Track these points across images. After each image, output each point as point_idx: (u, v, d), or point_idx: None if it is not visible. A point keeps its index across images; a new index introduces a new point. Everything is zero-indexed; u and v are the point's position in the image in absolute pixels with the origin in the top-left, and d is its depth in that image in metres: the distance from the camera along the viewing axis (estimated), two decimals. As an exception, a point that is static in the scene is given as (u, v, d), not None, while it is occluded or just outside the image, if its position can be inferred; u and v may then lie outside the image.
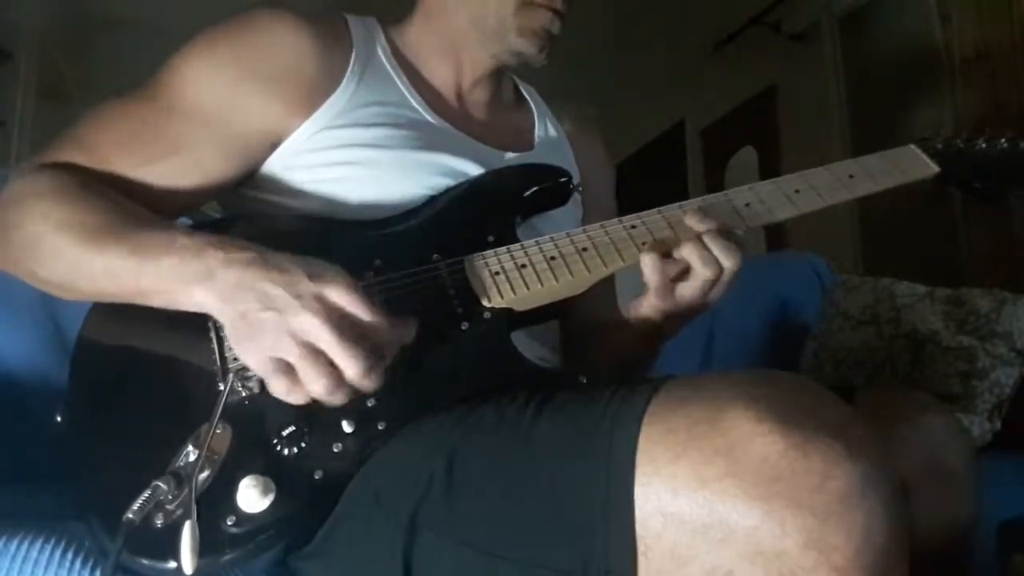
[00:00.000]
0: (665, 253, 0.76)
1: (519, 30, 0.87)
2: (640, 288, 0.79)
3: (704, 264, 0.74)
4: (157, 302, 0.66)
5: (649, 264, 0.75)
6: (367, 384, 0.61)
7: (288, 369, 0.60)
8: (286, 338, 0.59)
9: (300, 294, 0.60)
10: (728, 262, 0.74)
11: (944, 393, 1.52)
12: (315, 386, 0.60)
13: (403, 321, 0.64)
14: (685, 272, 0.75)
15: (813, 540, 0.46)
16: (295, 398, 0.61)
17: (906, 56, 2.76)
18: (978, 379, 1.52)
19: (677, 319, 0.80)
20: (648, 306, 0.78)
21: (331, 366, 0.60)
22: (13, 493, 0.82)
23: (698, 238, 0.75)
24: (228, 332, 0.63)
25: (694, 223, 0.76)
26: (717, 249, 0.74)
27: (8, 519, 0.66)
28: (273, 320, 0.60)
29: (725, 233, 0.76)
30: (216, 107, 0.78)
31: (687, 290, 0.76)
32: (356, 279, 0.63)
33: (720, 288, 0.76)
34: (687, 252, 0.75)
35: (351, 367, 0.59)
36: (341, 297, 0.61)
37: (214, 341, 0.68)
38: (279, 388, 0.61)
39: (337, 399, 0.61)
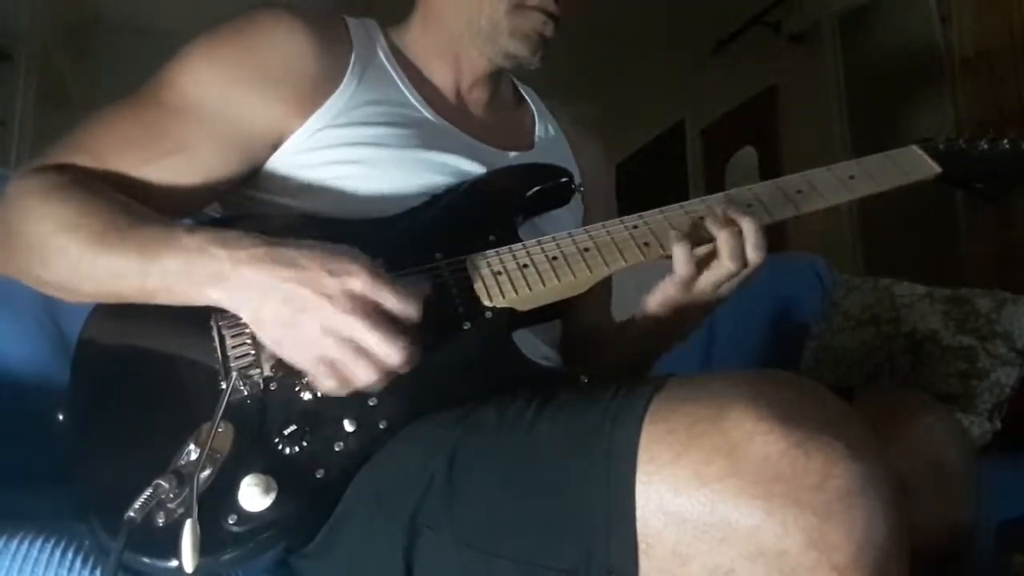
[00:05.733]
0: (697, 243, 0.75)
1: (511, 32, 0.87)
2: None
3: (731, 257, 0.73)
4: (163, 301, 0.66)
5: (682, 255, 0.74)
6: (410, 364, 0.62)
7: (335, 368, 0.61)
8: (325, 338, 0.61)
9: (328, 293, 0.61)
10: (757, 255, 0.74)
11: (944, 393, 1.52)
12: (364, 378, 0.61)
13: (413, 284, 0.65)
14: (709, 259, 0.75)
15: (814, 539, 0.46)
16: (346, 392, 0.63)
17: (906, 56, 2.76)
18: (978, 379, 1.52)
19: (684, 318, 0.80)
20: (663, 297, 0.78)
21: (373, 357, 0.61)
22: (13, 493, 0.82)
23: (736, 228, 0.74)
24: (261, 334, 0.64)
25: (735, 214, 0.75)
26: (753, 243, 0.73)
27: (8, 519, 0.66)
28: (308, 322, 0.61)
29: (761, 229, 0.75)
30: (217, 107, 0.78)
31: (704, 282, 0.75)
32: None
33: (735, 283, 0.76)
34: (721, 240, 0.73)
35: (393, 355, 0.61)
36: (366, 287, 0.61)
37: (216, 340, 0.68)
38: (330, 387, 0.62)
39: (383, 385, 0.63)
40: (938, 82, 2.57)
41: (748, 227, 0.74)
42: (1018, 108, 2.28)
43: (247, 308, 0.64)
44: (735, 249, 0.73)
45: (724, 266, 0.74)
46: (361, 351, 0.61)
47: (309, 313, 0.61)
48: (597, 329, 0.96)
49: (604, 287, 0.98)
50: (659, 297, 0.79)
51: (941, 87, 2.56)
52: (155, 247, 0.65)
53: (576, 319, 0.94)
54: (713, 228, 0.75)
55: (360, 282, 0.61)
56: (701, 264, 0.75)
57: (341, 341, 0.60)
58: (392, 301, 0.62)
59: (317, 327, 0.61)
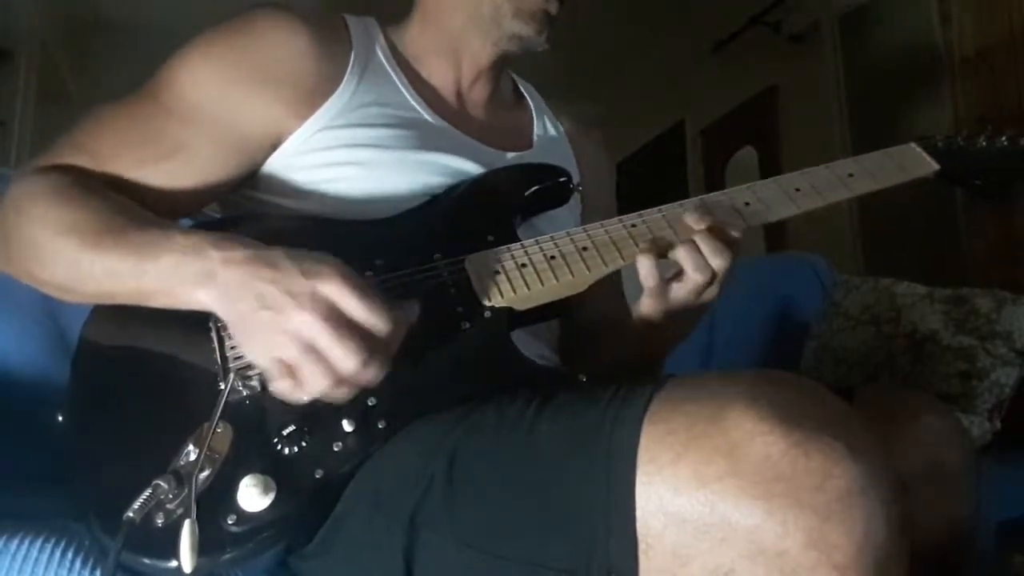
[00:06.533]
0: (661, 253, 0.76)
1: (515, 12, 0.87)
2: (640, 289, 0.79)
3: (695, 268, 0.74)
4: (158, 302, 0.66)
5: (645, 266, 0.76)
6: (366, 378, 0.60)
7: (290, 369, 0.60)
8: (282, 337, 0.59)
9: (293, 292, 0.60)
10: (717, 262, 0.74)
11: (944, 393, 1.52)
12: (316, 385, 0.60)
13: (401, 304, 0.64)
14: (679, 273, 0.76)
15: (814, 539, 0.46)
16: (298, 398, 0.61)
17: (906, 56, 2.76)
18: (978, 379, 1.52)
19: (677, 319, 0.80)
20: (645, 306, 0.79)
21: (327, 362, 0.59)
22: (13, 493, 0.82)
23: (691, 241, 0.75)
24: (233, 333, 0.63)
25: (692, 221, 0.76)
26: (708, 251, 0.74)
27: (8, 519, 0.66)
28: (269, 319, 0.60)
29: (719, 233, 0.75)
30: (216, 108, 0.78)
31: (680, 292, 0.76)
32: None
33: (714, 290, 0.76)
34: (681, 256, 0.75)
35: (346, 362, 0.59)
36: (333, 291, 0.60)
37: (215, 340, 0.68)
38: (282, 389, 0.61)
39: (340, 395, 0.61)
40: (938, 82, 2.57)
41: (699, 239, 0.75)
42: (1018, 108, 2.28)
43: (226, 308, 0.63)
44: (696, 261, 0.74)
45: (692, 279, 0.75)
46: (316, 354, 0.59)
47: (273, 311, 0.60)
48: (598, 326, 0.96)
49: (613, 282, 0.98)
50: (642, 306, 0.79)
51: (941, 87, 2.56)
52: (152, 248, 0.65)
53: (582, 316, 0.94)
54: (675, 244, 0.75)
55: (330, 286, 0.60)
56: (674, 274, 0.76)
57: (298, 342, 0.59)
58: (357, 309, 0.60)
59: (277, 325, 0.59)
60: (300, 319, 0.59)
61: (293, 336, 0.59)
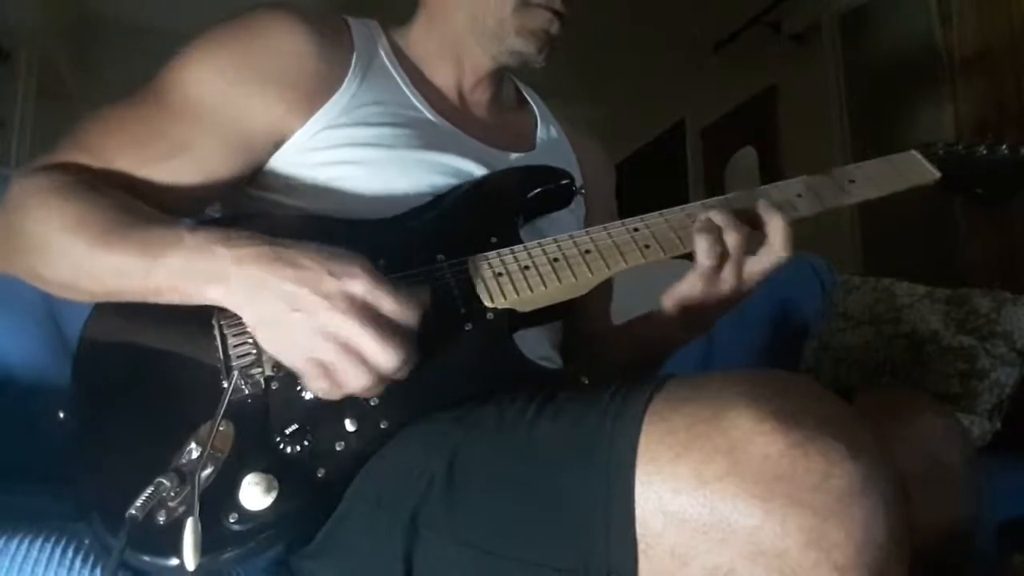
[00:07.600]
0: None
1: (518, 30, 0.87)
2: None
3: (785, 246, 0.76)
4: (166, 299, 0.66)
5: (704, 244, 0.74)
6: (403, 373, 0.61)
7: (327, 370, 0.60)
8: (319, 339, 0.59)
9: (326, 293, 0.60)
10: (790, 250, 0.76)
11: (944, 393, 1.52)
12: (356, 383, 0.60)
13: (415, 291, 0.65)
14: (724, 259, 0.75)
15: (814, 539, 0.46)
16: (336, 396, 0.62)
17: (906, 56, 2.76)
18: (978, 379, 1.52)
19: (708, 312, 0.79)
20: (688, 288, 0.77)
21: (367, 362, 0.60)
22: (14, 493, 0.82)
23: (781, 220, 0.76)
24: (259, 335, 0.63)
25: (719, 220, 0.75)
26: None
27: (9, 518, 0.66)
28: (303, 322, 0.60)
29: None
30: (218, 107, 0.78)
31: (752, 268, 0.76)
32: None
33: (767, 271, 0.77)
34: (776, 227, 0.76)
35: (388, 360, 0.59)
36: (365, 290, 0.60)
37: (218, 338, 0.68)
38: (320, 389, 0.61)
39: (377, 392, 0.62)
40: (938, 82, 2.57)
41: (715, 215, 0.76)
42: (1018, 108, 2.28)
43: (247, 308, 0.63)
44: (788, 239, 0.75)
45: (776, 254, 0.76)
46: (355, 354, 0.59)
47: (305, 313, 0.60)
48: (599, 330, 0.96)
49: (606, 290, 0.98)
50: (684, 289, 0.78)
51: (941, 87, 2.56)
52: (158, 246, 0.65)
53: (578, 320, 0.94)
54: (766, 214, 0.76)
55: (360, 285, 0.60)
56: (723, 259, 0.75)
57: (335, 343, 0.59)
58: (391, 306, 0.61)
59: (312, 327, 0.60)
60: (336, 321, 0.59)
61: (330, 338, 0.59)
